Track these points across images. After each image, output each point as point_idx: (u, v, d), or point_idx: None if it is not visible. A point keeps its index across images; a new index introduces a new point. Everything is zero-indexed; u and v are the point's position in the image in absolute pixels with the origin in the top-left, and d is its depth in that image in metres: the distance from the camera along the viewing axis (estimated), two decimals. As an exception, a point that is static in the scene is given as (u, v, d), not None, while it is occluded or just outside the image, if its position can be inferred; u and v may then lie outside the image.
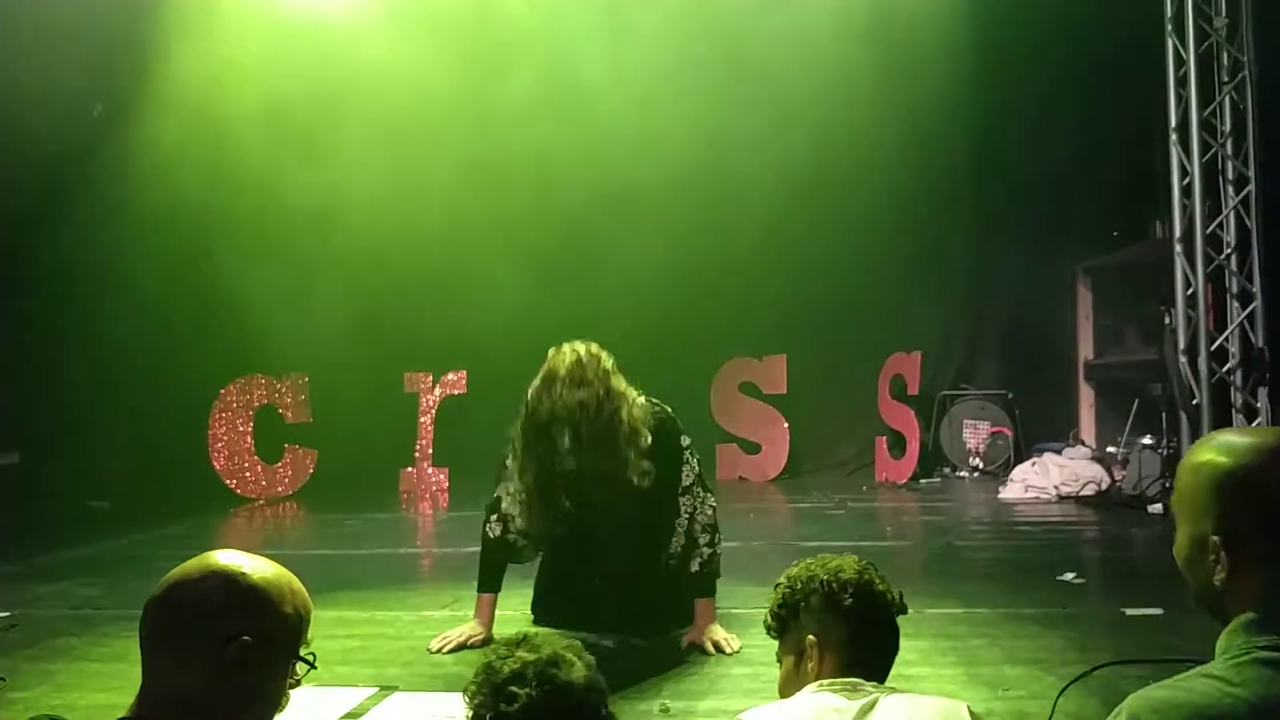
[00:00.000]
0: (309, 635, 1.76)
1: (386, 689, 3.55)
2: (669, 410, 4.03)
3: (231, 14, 7.95)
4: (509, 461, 3.98)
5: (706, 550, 3.97)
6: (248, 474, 8.70)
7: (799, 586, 2.42)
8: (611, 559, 4.03)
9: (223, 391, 8.69)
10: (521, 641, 1.87)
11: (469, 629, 4.04)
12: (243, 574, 1.69)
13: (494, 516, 4.09)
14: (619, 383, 3.83)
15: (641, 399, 3.92)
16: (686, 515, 3.96)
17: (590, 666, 1.85)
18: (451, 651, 3.97)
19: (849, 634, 2.34)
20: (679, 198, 8.22)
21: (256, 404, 8.76)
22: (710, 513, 4.01)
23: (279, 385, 8.78)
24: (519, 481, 3.92)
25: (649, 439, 3.84)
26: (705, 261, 8.24)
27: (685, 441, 4.04)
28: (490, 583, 4.11)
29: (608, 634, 3.93)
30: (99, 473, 7.98)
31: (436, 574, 5.99)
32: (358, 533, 7.09)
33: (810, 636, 2.36)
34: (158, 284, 8.12)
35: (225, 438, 8.69)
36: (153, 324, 8.04)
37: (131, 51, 7.75)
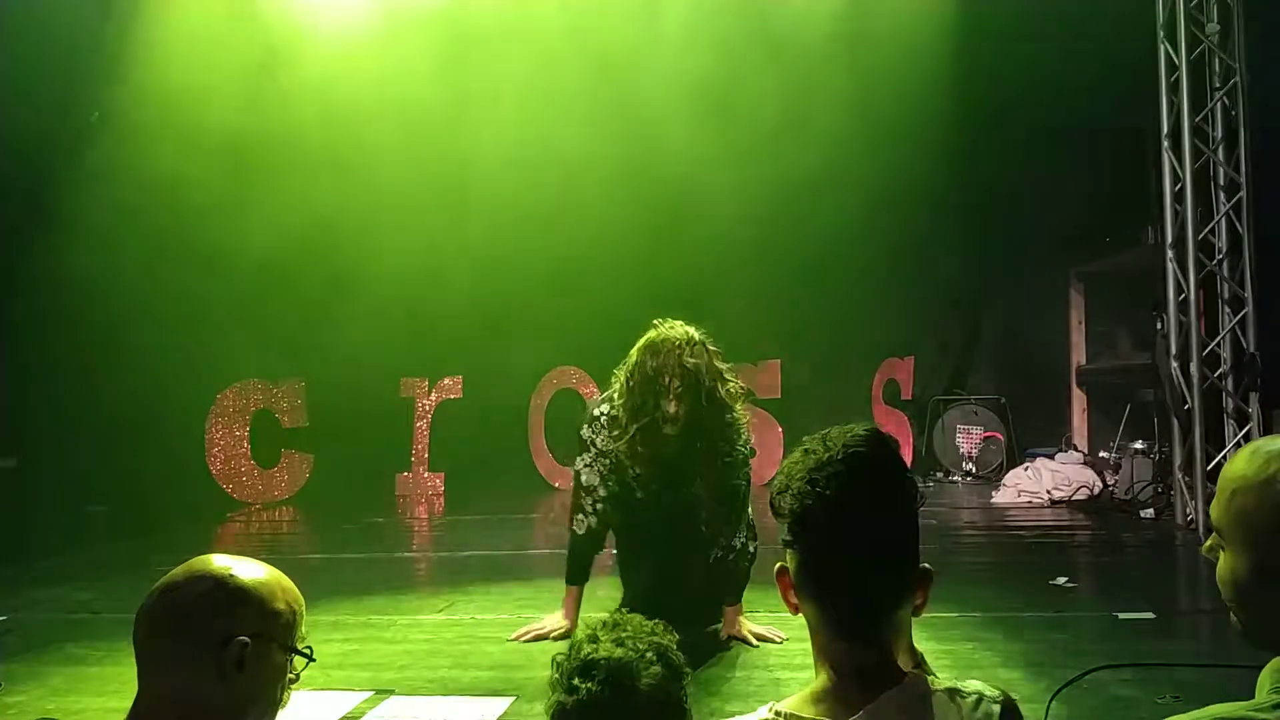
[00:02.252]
0: (303, 630, 1.78)
1: (382, 693, 3.56)
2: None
3: (237, 24, 7.96)
4: (594, 425, 4.07)
5: (753, 546, 4.15)
6: (244, 479, 8.71)
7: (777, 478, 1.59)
8: (673, 555, 4.14)
9: (219, 396, 8.70)
10: (614, 627, 1.84)
11: (551, 621, 4.17)
12: (232, 575, 1.71)
13: (577, 507, 4.17)
14: (719, 360, 4.00)
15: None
16: (750, 515, 4.15)
17: (667, 676, 1.80)
18: (528, 642, 4.09)
19: (811, 582, 1.50)
20: (674, 205, 8.24)
21: (253, 409, 8.77)
22: (751, 514, 4.19)
23: (275, 390, 8.80)
24: (618, 424, 3.96)
25: (743, 422, 4.03)
26: (701, 267, 8.26)
27: (752, 440, 4.21)
28: (576, 575, 4.20)
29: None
30: (96, 477, 7.98)
31: (432, 578, 6.00)
32: (354, 537, 7.10)
33: (780, 570, 1.57)
34: (156, 289, 8.12)
35: (222, 442, 8.70)
36: (150, 329, 8.04)
37: (131, 58, 7.77)
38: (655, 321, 3.99)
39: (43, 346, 7.96)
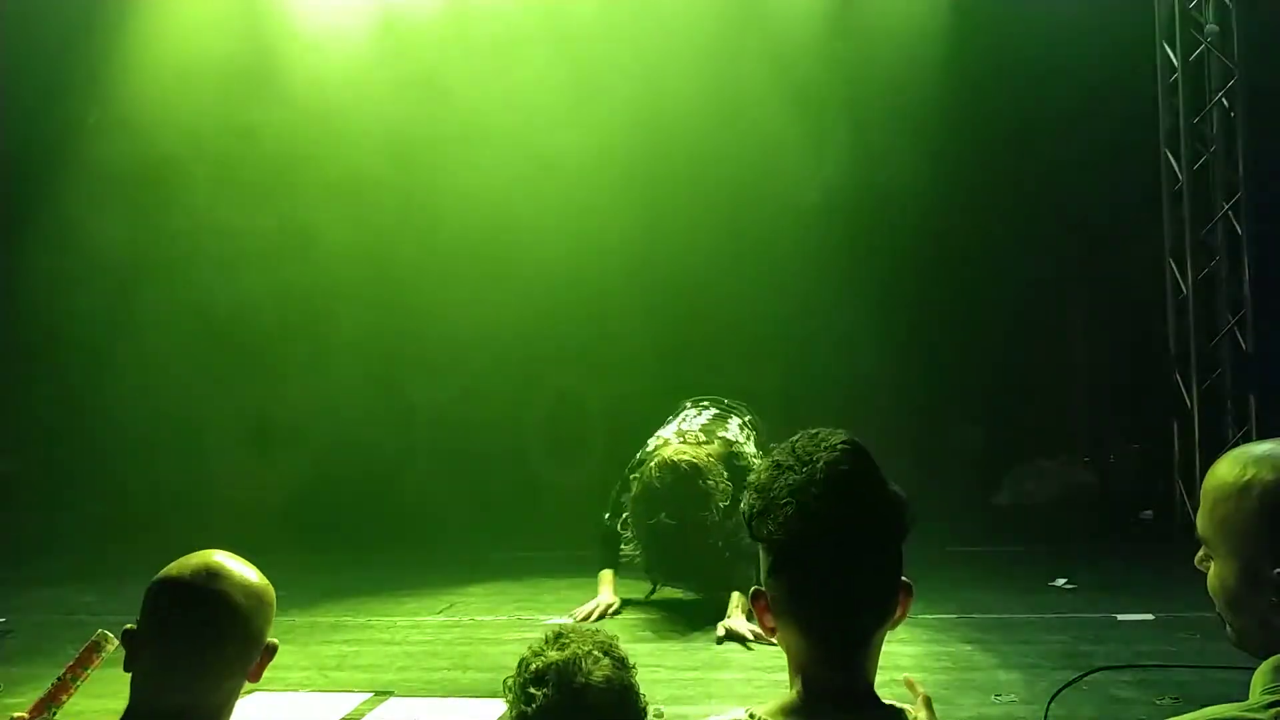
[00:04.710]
0: None
1: (381, 694, 3.56)
2: (747, 458, 4.78)
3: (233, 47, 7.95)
4: (624, 501, 4.76)
5: None
6: (242, 478, 8.68)
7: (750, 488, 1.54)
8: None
9: (219, 396, 8.66)
10: (556, 638, 1.93)
11: (604, 598, 4.73)
12: (255, 586, 1.74)
13: (615, 507, 4.87)
14: (714, 485, 4.49)
15: (717, 448, 4.75)
16: None
17: (616, 667, 1.88)
18: (583, 620, 4.53)
19: (796, 607, 1.44)
20: (673, 216, 8.22)
21: (253, 408, 8.73)
22: None
23: (275, 391, 8.76)
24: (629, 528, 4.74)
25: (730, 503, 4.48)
26: (700, 275, 8.26)
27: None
28: (610, 559, 4.91)
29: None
30: (93, 479, 7.97)
31: (432, 579, 5.99)
32: (353, 538, 7.10)
33: (759, 589, 1.51)
34: (156, 293, 8.12)
35: (220, 442, 8.68)
36: (149, 332, 8.04)
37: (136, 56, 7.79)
38: (654, 467, 4.52)
39: (41, 349, 7.96)
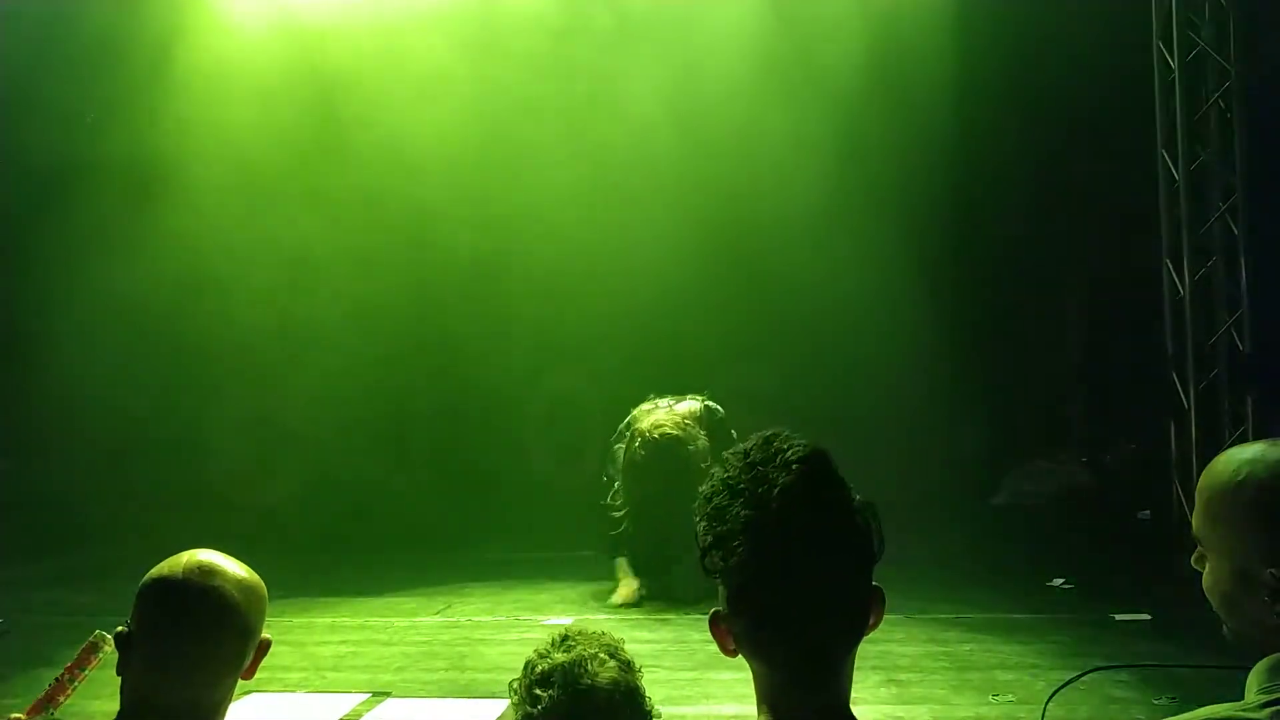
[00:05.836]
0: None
1: (379, 695, 3.57)
2: (719, 411, 5.09)
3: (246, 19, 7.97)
4: (612, 474, 5.10)
5: None
6: (241, 480, 8.67)
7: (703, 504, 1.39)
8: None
9: (217, 397, 8.67)
10: (563, 640, 1.94)
11: (634, 585, 4.96)
12: (248, 581, 1.74)
13: (609, 481, 5.13)
14: (694, 450, 4.74)
15: (695, 405, 5.03)
16: None
17: (622, 669, 1.89)
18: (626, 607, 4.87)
19: (758, 642, 1.34)
20: (671, 220, 8.22)
21: (252, 410, 8.74)
22: None
23: (273, 393, 8.76)
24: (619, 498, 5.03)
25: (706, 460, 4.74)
26: (699, 278, 8.28)
27: (735, 435, 4.85)
28: (619, 548, 5.12)
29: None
30: (93, 479, 7.97)
31: (429, 580, 5.99)
32: (351, 538, 7.10)
33: (718, 612, 1.39)
34: (152, 292, 8.12)
35: (219, 443, 8.68)
36: (147, 332, 8.04)
37: (133, 57, 7.80)
38: (639, 442, 4.80)
39: (36, 348, 7.96)
